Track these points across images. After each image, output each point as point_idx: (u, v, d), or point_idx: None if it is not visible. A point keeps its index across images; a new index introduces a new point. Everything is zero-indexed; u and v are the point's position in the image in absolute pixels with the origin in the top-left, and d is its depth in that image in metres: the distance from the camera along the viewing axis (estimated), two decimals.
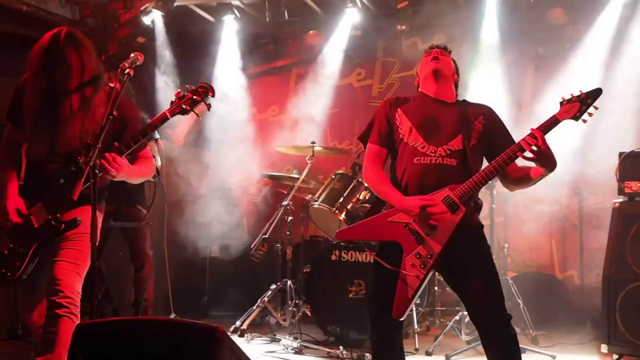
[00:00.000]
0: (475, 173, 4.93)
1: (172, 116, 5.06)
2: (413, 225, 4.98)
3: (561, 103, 4.92)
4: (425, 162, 5.07)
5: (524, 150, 4.80)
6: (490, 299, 4.93)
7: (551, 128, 4.85)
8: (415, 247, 4.95)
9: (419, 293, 5.00)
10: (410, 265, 4.94)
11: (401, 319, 5.02)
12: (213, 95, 5.07)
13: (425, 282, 5.00)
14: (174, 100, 5.08)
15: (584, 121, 4.83)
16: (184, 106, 5.04)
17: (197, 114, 5.16)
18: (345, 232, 5.46)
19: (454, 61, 5.48)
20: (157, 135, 8.83)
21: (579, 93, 4.88)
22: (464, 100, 5.44)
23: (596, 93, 4.86)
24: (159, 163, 8.44)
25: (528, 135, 4.79)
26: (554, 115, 4.88)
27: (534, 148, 4.74)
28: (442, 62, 5.33)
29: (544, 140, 4.75)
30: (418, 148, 5.11)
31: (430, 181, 5.01)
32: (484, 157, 5.20)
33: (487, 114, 5.27)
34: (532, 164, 4.90)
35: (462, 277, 5.06)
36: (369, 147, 5.35)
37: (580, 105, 4.83)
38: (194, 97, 5.03)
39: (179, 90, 5.11)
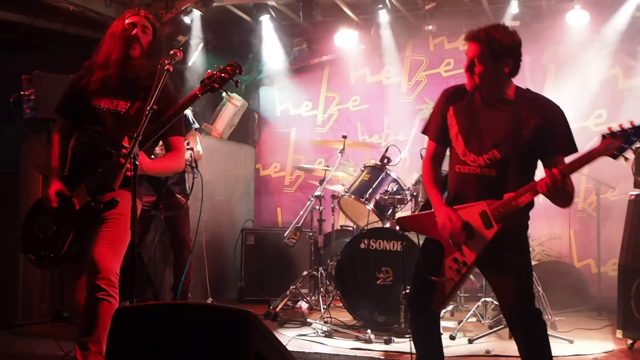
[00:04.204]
0: (517, 184, 4.64)
1: (202, 94, 5.06)
2: None
3: (603, 136, 4.31)
4: (464, 172, 4.88)
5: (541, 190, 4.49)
6: (516, 298, 4.80)
7: (586, 164, 4.40)
8: (453, 252, 4.87)
9: (456, 292, 4.96)
10: (448, 268, 4.87)
11: (440, 310, 5.02)
12: (241, 73, 5.05)
13: (463, 282, 4.94)
14: (204, 80, 5.07)
15: (625, 159, 4.28)
16: (214, 84, 5.03)
17: (227, 93, 5.14)
18: (403, 220, 5.40)
19: (500, 44, 4.67)
20: (196, 125, 8.83)
21: (628, 126, 4.24)
22: (525, 94, 4.86)
23: None
24: (200, 151, 8.45)
25: (551, 174, 4.41)
26: (593, 150, 4.34)
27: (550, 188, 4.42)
28: (480, 80, 4.75)
29: (563, 182, 4.39)
30: (460, 155, 4.90)
31: (466, 192, 4.86)
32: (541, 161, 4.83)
33: (542, 117, 4.70)
34: None
35: (493, 275, 4.98)
36: (428, 142, 5.21)
37: (622, 141, 4.22)
38: (223, 74, 5.02)
39: (209, 70, 5.10)
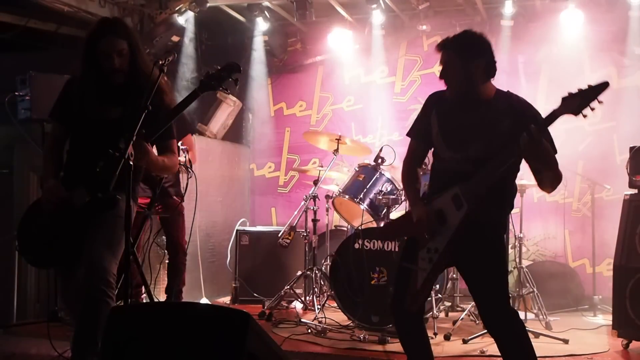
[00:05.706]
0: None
1: (201, 93, 5.08)
2: None
3: (564, 98, 4.49)
4: (443, 168, 4.99)
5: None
6: (489, 297, 4.89)
7: (549, 124, 4.54)
8: (426, 242, 4.92)
9: (429, 285, 4.94)
10: (421, 259, 4.91)
11: (413, 309, 4.99)
12: (239, 72, 5.07)
13: (435, 275, 4.94)
14: (202, 79, 5.09)
15: (584, 116, 4.44)
16: (212, 82, 5.05)
17: (226, 91, 5.16)
18: (383, 230, 5.46)
19: (473, 45, 4.87)
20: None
21: (585, 87, 4.46)
22: (504, 94, 4.96)
23: (600, 87, 4.43)
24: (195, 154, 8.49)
25: (527, 131, 4.47)
26: (554, 110, 4.51)
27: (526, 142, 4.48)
28: (455, 83, 4.90)
29: (539, 136, 4.45)
30: (440, 153, 5.02)
31: (444, 185, 4.91)
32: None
33: (518, 115, 4.76)
34: None
35: (466, 273, 5.05)
36: (410, 142, 5.29)
37: (580, 99, 4.42)
38: (221, 73, 5.04)
39: (208, 70, 5.12)
